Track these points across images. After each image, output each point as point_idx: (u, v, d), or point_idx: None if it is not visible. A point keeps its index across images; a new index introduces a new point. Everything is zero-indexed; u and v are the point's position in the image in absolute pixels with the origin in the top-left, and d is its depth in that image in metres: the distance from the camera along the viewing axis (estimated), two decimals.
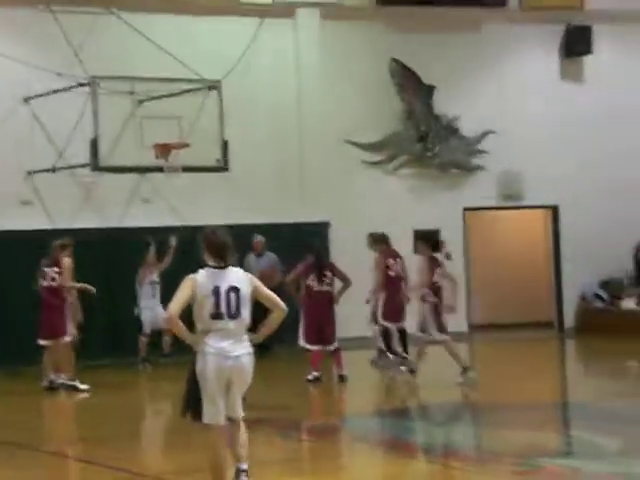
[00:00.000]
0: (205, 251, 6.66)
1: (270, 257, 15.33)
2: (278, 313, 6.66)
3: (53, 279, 12.38)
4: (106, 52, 15.29)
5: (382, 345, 14.00)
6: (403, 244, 14.54)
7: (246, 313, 6.54)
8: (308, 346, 12.36)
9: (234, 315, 6.48)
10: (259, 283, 6.70)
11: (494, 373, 13.62)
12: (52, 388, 12.45)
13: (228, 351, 6.46)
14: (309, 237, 13.34)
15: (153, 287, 14.33)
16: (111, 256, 15.01)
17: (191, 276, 6.58)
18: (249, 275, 6.68)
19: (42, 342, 12.46)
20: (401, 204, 17.02)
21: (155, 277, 14.33)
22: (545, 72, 18.13)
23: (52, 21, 15.19)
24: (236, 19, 16.29)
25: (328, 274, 12.61)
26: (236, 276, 6.57)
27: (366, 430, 9.77)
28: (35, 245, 14.02)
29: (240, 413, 6.65)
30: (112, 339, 14.95)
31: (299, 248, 13.12)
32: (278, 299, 6.72)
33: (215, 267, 6.56)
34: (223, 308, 6.47)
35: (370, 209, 16.44)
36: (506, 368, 13.93)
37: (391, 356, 14.02)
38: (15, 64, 14.92)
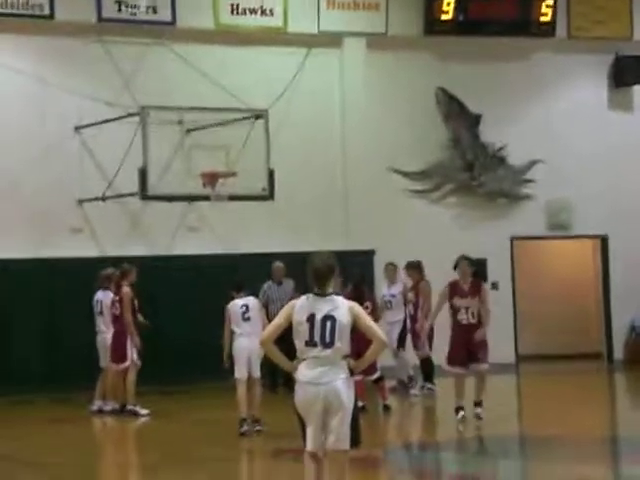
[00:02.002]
0: (309, 277, 6.61)
1: (289, 285, 14.73)
2: (378, 344, 6.53)
3: (115, 306, 12.63)
4: (155, 82, 15.50)
5: (411, 374, 14.09)
6: (450, 273, 14.40)
7: (342, 342, 6.42)
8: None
9: (328, 344, 6.40)
10: (361, 312, 6.58)
11: (542, 405, 13.45)
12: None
13: (320, 378, 6.39)
14: (353, 266, 13.29)
15: None
16: (158, 283, 15.10)
17: (292, 302, 6.57)
18: (350, 304, 6.56)
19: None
20: (447, 233, 16.89)
21: None
22: (594, 101, 18.00)
23: (103, 52, 15.47)
24: (283, 49, 16.42)
25: (369, 305, 12.50)
26: (335, 304, 6.48)
27: (410, 462, 9.67)
28: (85, 272, 14.26)
29: (339, 446, 6.39)
30: (157, 366, 14.97)
31: (344, 277, 13.08)
32: (379, 331, 6.60)
33: (315, 294, 6.51)
34: (317, 336, 6.40)
35: (416, 238, 16.34)
36: (554, 400, 13.74)
37: (431, 386, 14.05)
38: (66, 94, 15.19)
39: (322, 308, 6.44)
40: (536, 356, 17.92)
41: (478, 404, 11.58)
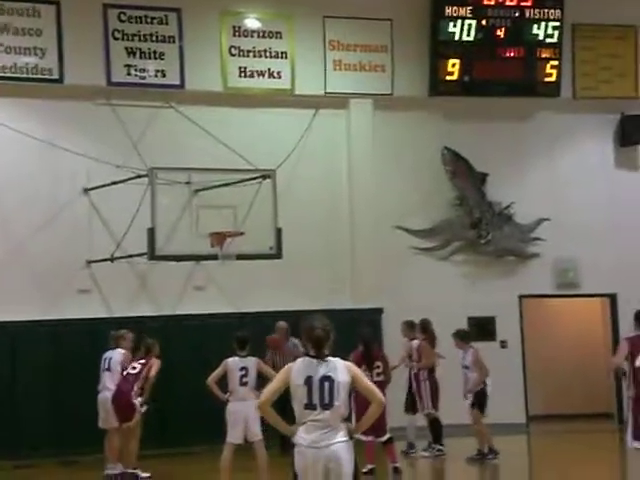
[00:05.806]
0: (304, 341, 6.65)
1: (292, 344, 14.61)
2: (376, 405, 6.47)
3: (134, 367, 12.40)
4: (164, 144, 15.63)
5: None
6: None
7: (341, 402, 6.37)
8: (362, 437, 12.13)
9: (327, 405, 6.34)
10: (359, 372, 6.58)
11: (553, 466, 13.29)
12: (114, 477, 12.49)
13: (320, 442, 6.31)
14: (361, 324, 13.21)
15: None
16: (166, 343, 15.02)
17: (288, 365, 6.56)
18: (347, 364, 6.55)
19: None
20: (455, 291, 16.90)
21: None
22: (600, 160, 18.03)
23: (112, 115, 15.62)
24: (290, 110, 16.56)
25: (380, 364, 12.47)
26: (332, 365, 6.45)
27: None
28: (91, 333, 14.23)
29: None
30: (161, 427, 14.83)
31: (351, 335, 13.04)
32: (377, 391, 6.55)
33: (312, 356, 6.49)
34: (316, 398, 6.35)
35: (423, 296, 16.32)
36: (565, 461, 13.57)
37: (440, 447, 13.92)
38: (75, 156, 15.29)
39: (319, 370, 6.41)
40: (546, 416, 17.74)
41: None
